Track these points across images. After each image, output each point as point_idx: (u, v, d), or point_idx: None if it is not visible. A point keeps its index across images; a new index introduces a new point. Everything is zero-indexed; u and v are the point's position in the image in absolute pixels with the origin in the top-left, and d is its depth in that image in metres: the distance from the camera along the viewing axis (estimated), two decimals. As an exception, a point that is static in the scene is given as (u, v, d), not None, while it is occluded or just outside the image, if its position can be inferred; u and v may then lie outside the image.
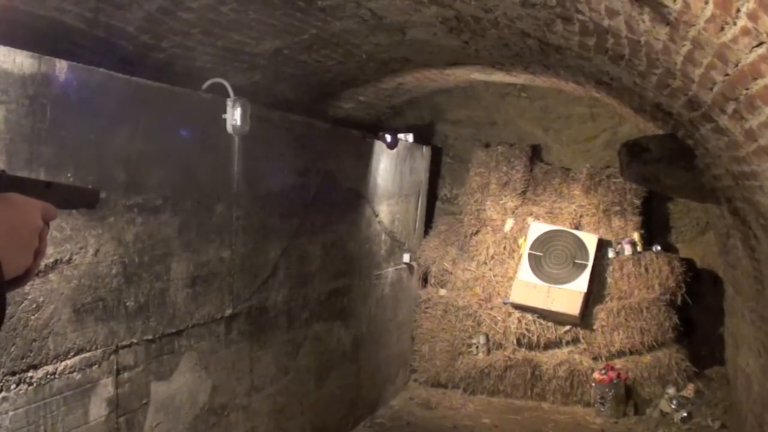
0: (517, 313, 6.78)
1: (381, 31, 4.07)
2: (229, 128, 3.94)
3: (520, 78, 5.81)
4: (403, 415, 6.47)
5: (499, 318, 6.82)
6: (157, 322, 3.55)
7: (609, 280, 6.68)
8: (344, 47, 4.34)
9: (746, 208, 3.52)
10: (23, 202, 0.94)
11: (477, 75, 5.92)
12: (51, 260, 2.88)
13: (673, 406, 6.20)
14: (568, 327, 6.68)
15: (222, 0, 3.27)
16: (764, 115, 2.15)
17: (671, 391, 6.31)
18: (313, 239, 5.11)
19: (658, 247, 6.76)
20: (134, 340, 3.40)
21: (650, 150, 4.74)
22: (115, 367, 3.28)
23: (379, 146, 6.15)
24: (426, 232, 7.49)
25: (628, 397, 6.40)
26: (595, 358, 6.59)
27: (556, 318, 6.65)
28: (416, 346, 7.20)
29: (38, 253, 0.96)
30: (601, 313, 6.56)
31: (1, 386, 2.69)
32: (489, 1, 3.25)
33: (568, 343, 6.72)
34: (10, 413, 2.73)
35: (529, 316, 6.74)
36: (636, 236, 6.75)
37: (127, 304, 3.35)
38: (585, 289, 6.48)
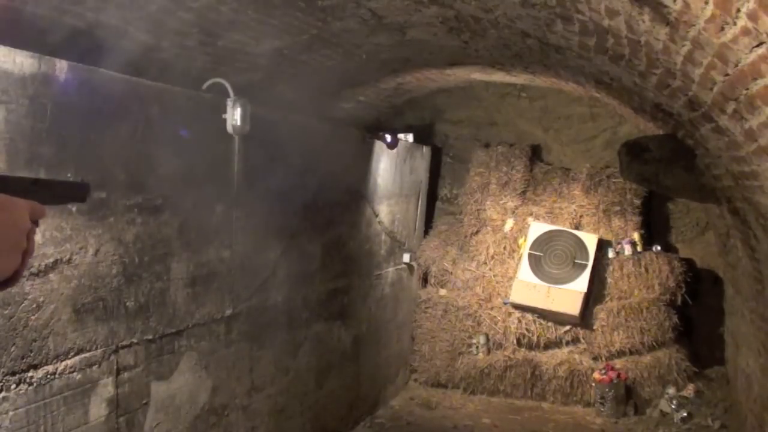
0: (517, 313, 6.78)
1: (381, 31, 4.07)
2: (229, 128, 3.94)
3: (520, 78, 5.81)
4: (403, 415, 6.47)
5: (499, 318, 6.82)
6: (157, 322, 3.55)
7: (609, 280, 6.68)
8: (344, 47, 4.34)
9: (746, 208, 3.52)
10: (9, 202, 0.93)
11: (477, 75, 5.92)
12: (51, 260, 2.88)
13: (673, 406, 6.19)
14: (568, 327, 6.68)
15: (222, 0, 3.27)
16: (764, 115, 2.15)
17: (671, 391, 6.32)
18: (313, 239, 5.11)
19: (658, 247, 6.76)
20: (134, 340, 3.40)
21: (650, 150, 4.74)
22: (115, 367, 3.28)
23: (379, 146, 6.15)
24: (426, 232, 7.49)
25: (628, 397, 6.40)
26: (595, 358, 6.60)
27: (556, 318, 6.65)
28: (416, 346, 7.20)
29: (26, 254, 0.95)
30: (601, 313, 6.56)
31: (1, 386, 2.69)
32: (489, 1, 3.25)
33: (568, 343, 6.72)
34: (10, 413, 2.73)
35: (529, 316, 6.74)
36: (636, 236, 6.75)
37: (127, 304, 3.35)
38: (585, 289, 6.48)
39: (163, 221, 3.58)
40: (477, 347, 6.86)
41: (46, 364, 2.89)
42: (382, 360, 6.54)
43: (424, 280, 7.32)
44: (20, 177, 0.99)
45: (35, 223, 0.96)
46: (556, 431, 6.18)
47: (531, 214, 7.07)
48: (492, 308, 6.87)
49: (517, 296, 6.68)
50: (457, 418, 6.42)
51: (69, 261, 2.98)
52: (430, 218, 7.63)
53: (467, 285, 7.04)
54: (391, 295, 6.67)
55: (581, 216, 6.96)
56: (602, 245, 6.74)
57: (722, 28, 1.89)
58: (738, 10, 1.74)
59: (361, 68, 4.99)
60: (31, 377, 2.82)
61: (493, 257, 7.04)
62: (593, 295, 6.62)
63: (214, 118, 3.90)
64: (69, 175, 2.93)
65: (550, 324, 6.71)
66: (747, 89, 2.11)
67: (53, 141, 2.85)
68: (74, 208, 2.97)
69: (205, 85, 3.98)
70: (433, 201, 7.72)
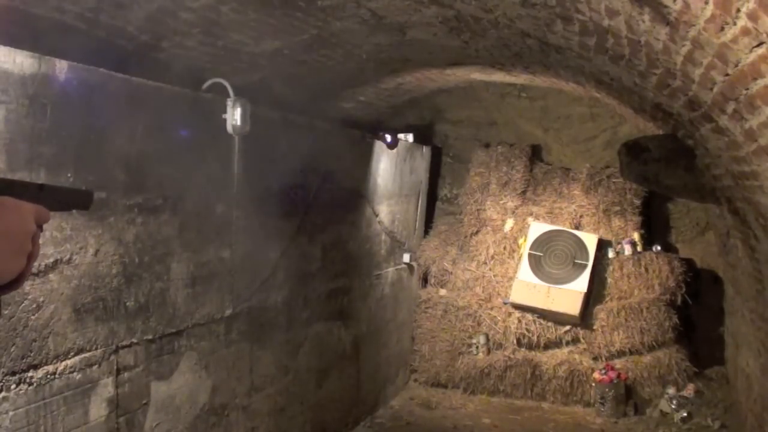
0: (517, 313, 6.78)
1: (381, 31, 4.07)
2: (229, 128, 3.94)
3: (520, 78, 5.81)
4: (403, 415, 6.47)
5: (499, 318, 6.82)
6: (157, 322, 3.55)
7: (609, 280, 6.68)
8: (344, 47, 4.34)
9: (746, 208, 3.52)
10: (16, 205, 0.93)
11: (477, 75, 5.92)
12: (51, 260, 2.88)
13: (673, 406, 6.20)
14: (568, 327, 6.68)
15: (222, 0, 3.27)
16: (764, 115, 2.15)
17: (671, 391, 6.32)
18: (313, 239, 5.11)
19: (658, 247, 6.76)
20: (134, 340, 3.40)
21: (650, 150, 4.74)
22: (115, 367, 3.28)
23: (379, 146, 6.15)
24: (426, 232, 7.49)
25: (628, 397, 6.40)
26: (595, 358, 6.60)
27: (556, 318, 6.65)
28: (416, 346, 7.20)
29: (31, 257, 0.96)
30: (601, 313, 6.56)
31: (2, 386, 2.69)
32: (489, 1, 3.25)
33: (568, 343, 6.73)
34: (11, 413, 2.73)
35: (529, 316, 6.74)
36: (636, 236, 6.76)
37: (127, 304, 3.35)
38: (585, 289, 6.48)
39: (163, 221, 3.58)
40: (477, 347, 6.86)
41: (46, 364, 2.89)
42: (382, 360, 6.54)
43: (424, 280, 7.32)
44: (26, 182, 1.00)
45: (40, 227, 0.97)
46: (556, 431, 6.18)
47: (531, 214, 7.07)
48: (492, 308, 6.87)
49: (517, 296, 6.68)
50: (457, 418, 6.42)
51: (69, 261, 2.98)
52: (430, 218, 7.63)
53: (467, 285, 7.04)
54: (391, 295, 6.67)
55: (581, 216, 6.96)
56: (602, 245, 6.74)
57: (722, 28, 1.89)
58: (738, 10, 1.74)
59: (361, 68, 4.99)
60: (31, 377, 2.82)
61: (493, 257, 7.04)
62: (593, 295, 6.62)
63: (214, 118, 3.90)
64: (69, 175, 2.93)
65: (550, 324, 6.71)
66: (747, 89, 2.11)
67: (53, 141, 2.85)
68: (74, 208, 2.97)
69: (205, 85, 3.98)
70: (433, 201, 7.72)
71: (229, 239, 4.13)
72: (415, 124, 7.27)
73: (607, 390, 6.33)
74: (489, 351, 6.86)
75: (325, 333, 5.41)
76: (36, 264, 2.81)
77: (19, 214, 0.93)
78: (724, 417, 5.97)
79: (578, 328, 6.65)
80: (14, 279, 0.94)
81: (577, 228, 6.88)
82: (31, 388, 2.82)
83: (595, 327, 6.57)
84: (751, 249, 3.99)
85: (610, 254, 6.73)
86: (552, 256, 6.67)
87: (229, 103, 3.92)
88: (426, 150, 7.36)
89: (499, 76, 5.84)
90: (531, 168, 7.30)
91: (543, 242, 6.76)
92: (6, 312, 2.68)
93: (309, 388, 5.18)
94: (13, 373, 2.74)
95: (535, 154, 7.43)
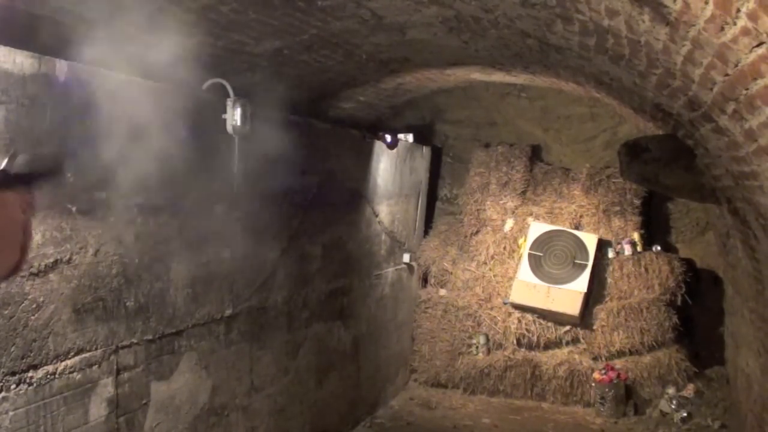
0: (517, 313, 6.78)
1: (381, 31, 4.07)
2: (229, 128, 3.94)
3: (520, 78, 5.81)
4: (403, 415, 6.47)
5: (499, 318, 6.82)
6: (157, 322, 3.55)
7: (609, 280, 6.68)
8: (344, 47, 4.34)
9: (746, 208, 3.52)
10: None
11: (477, 75, 5.92)
12: (51, 260, 2.88)
13: (673, 406, 6.20)
14: (568, 327, 6.68)
15: (222, 0, 3.27)
16: (764, 115, 2.15)
17: (671, 391, 6.32)
18: (313, 239, 5.11)
19: (658, 247, 6.76)
20: (134, 340, 3.40)
21: (650, 150, 4.74)
22: (115, 367, 3.28)
23: (379, 146, 6.15)
24: (426, 232, 7.49)
25: (628, 397, 6.41)
26: (595, 358, 6.60)
27: (556, 318, 6.65)
28: (416, 346, 7.20)
29: (25, 247, 0.96)
30: (601, 313, 6.56)
31: (1, 386, 2.69)
32: (489, 1, 3.25)
33: (568, 343, 6.73)
34: (11, 413, 2.73)
35: (529, 316, 6.75)
36: (636, 236, 6.76)
37: (127, 304, 3.35)
38: (585, 289, 6.49)
39: (163, 221, 3.58)
40: (477, 347, 6.86)
41: (46, 364, 2.89)
42: (382, 360, 6.54)
43: (424, 280, 7.32)
44: None
45: (29, 215, 0.96)
46: (556, 431, 6.18)
47: (531, 214, 7.07)
48: (492, 308, 6.87)
49: (517, 296, 6.68)
50: (457, 418, 6.42)
51: (69, 261, 2.98)
52: (430, 218, 7.63)
53: (467, 285, 7.04)
54: (391, 295, 6.67)
55: (581, 216, 6.96)
56: (602, 245, 6.74)
57: (722, 28, 1.89)
58: (738, 10, 1.74)
59: (361, 68, 4.99)
60: (31, 377, 2.82)
61: (493, 257, 7.04)
62: (593, 295, 6.62)
63: (214, 118, 3.90)
64: (69, 175, 2.93)
65: (550, 324, 6.71)
66: (747, 89, 2.11)
67: (53, 141, 2.85)
68: (74, 208, 2.97)
69: (205, 85, 3.98)
70: (433, 201, 7.73)
71: (229, 239, 4.13)
72: (415, 124, 7.27)
73: (607, 390, 6.33)
74: (489, 351, 6.86)
75: (325, 333, 5.41)
76: (36, 264, 2.80)
77: (2, 207, 0.93)
78: (724, 417, 5.97)
79: (578, 328, 6.65)
80: (11, 269, 0.94)
81: (577, 228, 6.88)
82: (31, 388, 2.82)
83: (595, 327, 6.57)
84: (751, 249, 3.99)
85: (610, 254, 6.73)
86: (552, 256, 6.68)
87: (229, 103, 3.92)
88: (426, 150, 7.36)
89: (499, 76, 5.84)
90: (531, 168, 7.30)
91: (543, 242, 6.76)
92: (6, 312, 2.68)
93: (309, 388, 5.18)
94: (13, 373, 2.74)
95: (535, 154, 7.43)
